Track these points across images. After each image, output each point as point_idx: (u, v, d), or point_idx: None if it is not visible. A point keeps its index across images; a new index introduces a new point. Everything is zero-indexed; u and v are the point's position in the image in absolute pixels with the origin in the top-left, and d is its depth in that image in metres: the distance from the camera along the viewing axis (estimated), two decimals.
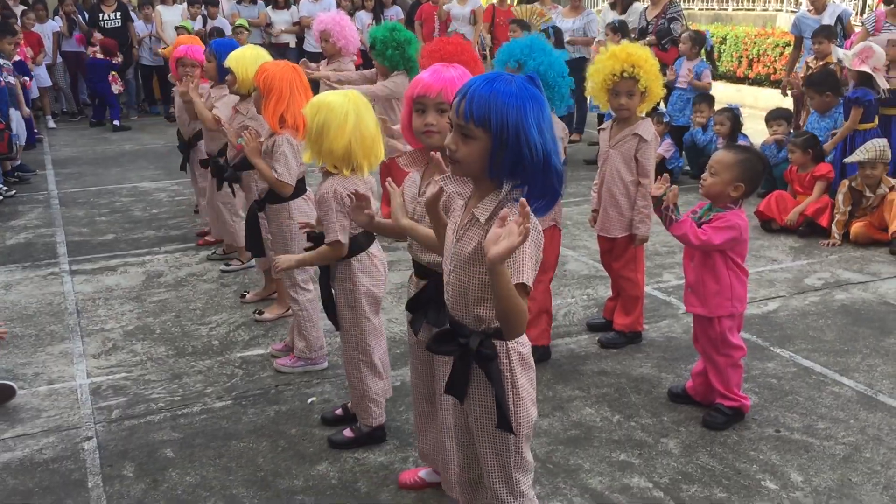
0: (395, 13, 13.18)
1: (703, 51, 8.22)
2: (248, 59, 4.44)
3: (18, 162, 8.83)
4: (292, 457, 3.46)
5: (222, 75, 4.89)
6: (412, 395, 3.10)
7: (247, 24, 11.07)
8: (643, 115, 4.31)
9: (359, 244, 3.31)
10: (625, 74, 3.99)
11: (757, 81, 12.47)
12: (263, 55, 4.48)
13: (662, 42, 8.33)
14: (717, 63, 13.01)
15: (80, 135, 11.25)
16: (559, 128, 3.97)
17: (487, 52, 10.40)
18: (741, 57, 12.77)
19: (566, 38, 9.42)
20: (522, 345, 2.23)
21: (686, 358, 4.30)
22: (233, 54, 4.52)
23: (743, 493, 3.14)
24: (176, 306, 5.11)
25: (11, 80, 8.81)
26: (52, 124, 11.74)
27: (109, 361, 4.37)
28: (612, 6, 9.18)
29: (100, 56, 11.42)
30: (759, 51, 12.44)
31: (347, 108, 3.17)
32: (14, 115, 8.60)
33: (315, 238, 3.38)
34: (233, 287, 5.40)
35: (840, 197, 6.18)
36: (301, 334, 4.16)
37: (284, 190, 4.00)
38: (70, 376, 4.20)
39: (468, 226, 2.16)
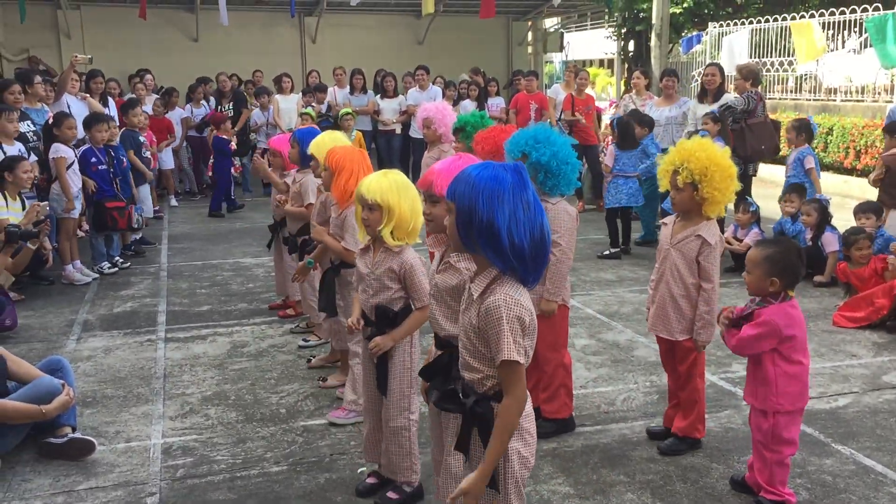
0: (498, 103, 13.67)
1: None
2: (326, 144, 4.83)
3: (140, 235, 9.57)
4: None
5: (304, 160, 5.31)
6: (433, 460, 3.26)
7: (351, 110, 11.71)
8: (712, 217, 4.08)
9: None
10: (673, 168, 4.05)
11: (865, 173, 12.11)
12: (340, 139, 4.87)
13: (720, 109, 8.37)
14: (821, 153, 12.82)
15: (198, 213, 12.04)
16: (560, 210, 4.16)
17: None
18: (848, 148, 12.50)
19: (661, 126, 9.54)
20: (522, 414, 2.41)
21: (741, 450, 4.24)
22: (314, 141, 4.93)
23: None
24: (253, 375, 5.41)
25: (148, 154, 9.60)
26: (174, 202, 12.62)
27: (184, 423, 4.68)
28: (701, 98, 9.24)
29: (217, 134, 12.26)
30: (866, 142, 12.16)
31: (409, 184, 3.52)
32: (145, 190, 9.37)
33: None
34: (307, 360, 5.67)
35: None
36: (353, 387, 4.48)
37: (351, 258, 4.32)
38: (147, 436, 4.52)
39: (468, 303, 2.39)
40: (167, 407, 4.91)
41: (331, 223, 4.64)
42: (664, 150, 9.18)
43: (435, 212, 3.04)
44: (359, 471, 4.07)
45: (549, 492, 3.84)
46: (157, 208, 11.61)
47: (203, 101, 13.44)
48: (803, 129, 8.25)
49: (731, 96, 8.86)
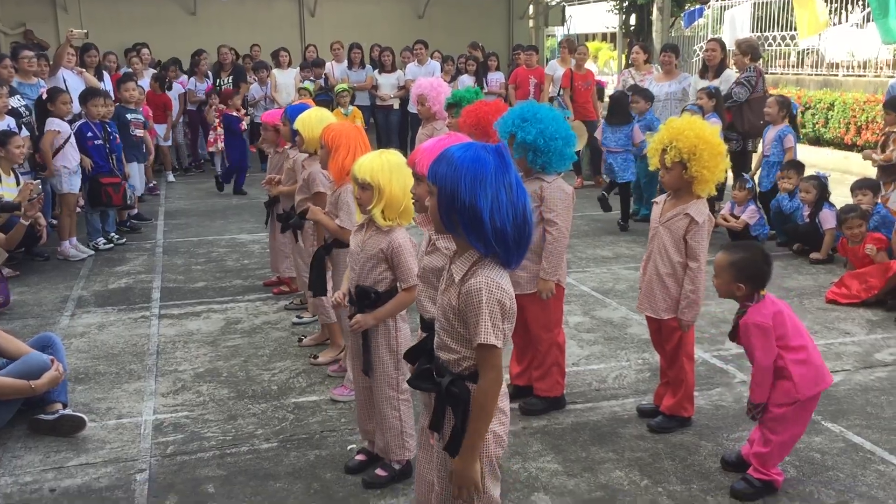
0: (497, 78, 13.57)
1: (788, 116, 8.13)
2: (312, 120, 4.79)
3: (135, 211, 9.56)
4: (322, 499, 3.63)
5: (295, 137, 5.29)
6: (419, 439, 3.24)
7: (347, 86, 11.64)
8: (702, 195, 4.06)
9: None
10: (662, 146, 4.02)
11: (866, 149, 12.06)
12: (328, 117, 4.83)
13: (727, 104, 8.29)
14: (814, 130, 12.76)
15: (196, 189, 12.01)
16: (555, 188, 4.12)
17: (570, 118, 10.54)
18: (849, 123, 12.42)
19: (660, 102, 9.48)
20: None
21: (731, 427, 4.25)
22: (299, 117, 4.89)
23: None
24: (246, 351, 5.42)
25: (139, 132, 9.56)
26: (171, 178, 12.58)
27: (175, 400, 4.68)
28: (703, 73, 9.17)
29: (226, 111, 12.14)
30: (867, 118, 12.08)
31: (403, 164, 3.48)
32: (134, 168, 9.33)
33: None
34: (297, 340, 5.68)
35: None
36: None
37: (345, 236, 4.29)
38: (138, 412, 4.53)
39: (447, 284, 2.37)
40: (159, 383, 4.92)
41: (327, 201, 4.61)
42: None
43: (418, 192, 3.01)
44: (348, 448, 4.08)
45: (537, 469, 3.85)
46: (152, 184, 11.57)
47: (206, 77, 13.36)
48: (785, 106, 8.16)
49: (732, 74, 8.78)
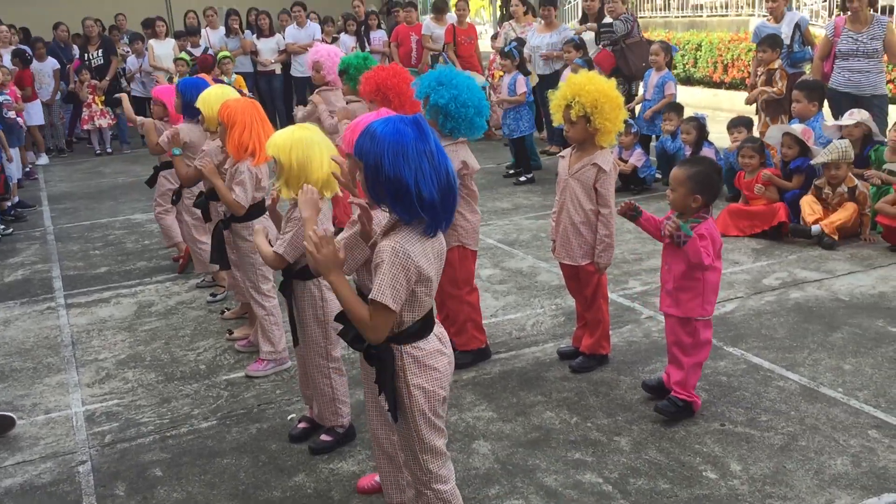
0: (379, 37, 13.51)
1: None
2: (213, 98, 4.77)
3: (17, 199, 9.15)
4: (272, 470, 3.73)
5: (187, 112, 5.34)
6: (366, 407, 3.36)
7: (229, 53, 11.42)
8: (604, 146, 4.30)
9: None
10: (566, 102, 4.23)
11: (733, 86, 12.76)
12: (229, 93, 4.82)
13: (601, 34, 8.66)
14: (684, 70, 13.36)
15: (75, 170, 11.57)
16: (461, 156, 4.24)
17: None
18: (716, 62, 13.06)
19: (541, 52, 9.75)
20: (418, 348, 2.59)
21: (644, 361, 4.57)
22: (202, 96, 4.86)
23: (685, 484, 3.41)
24: (166, 334, 5.39)
25: (12, 114, 9.10)
26: (43, 160, 12.02)
27: (103, 389, 4.65)
28: (582, 22, 9.47)
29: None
30: (732, 56, 12.74)
31: (316, 139, 3.54)
32: (15, 153, 8.90)
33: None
34: (219, 312, 5.68)
35: (809, 198, 6.51)
36: (267, 338, 4.63)
37: (238, 210, 4.42)
38: (66, 405, 4.47)
39: (373, 244, 2.57)
40: (82, 374, 4.85)
41: (226, 176, 4.60)
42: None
43: (350, 167, 3.08)
44: (288, 417, 4.18)
45: (473, 418, 4.06)
46: (28, 168, 11.07)
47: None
48: (668, 52, 8.59)
49: (609, 20, 9.10)
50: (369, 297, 2.42)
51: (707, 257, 3.71)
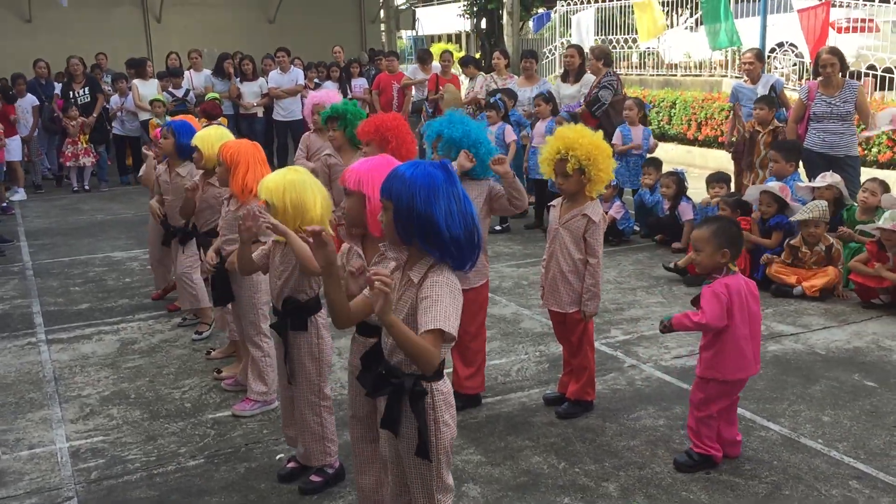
0: (361, 84, 13.73)
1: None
2: (213, 137, 4.85)
3: None
4: None
5: (181, 152, 5.38)
6: (352, 443, 3.39)
7: (218, 95, 11.53)
8: (594, 196, 4.44)
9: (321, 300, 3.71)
10: (559, 156, 4.35)
11: (706, 143, 13.09)
12: (227, 134, 4.91)
13: (593, 110, 8.85)
14: (659, 127, 13.70)
15: (53, 206, 11.51)
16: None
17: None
18: (690, 120, 13.40)
19: (521, 108, 9.95)
20: (444, 384, 2.67)
21: (629, 409, 4.64)
22: (199, 134, 4.94)
23: None
24: (150, 371, 5.37)
25: None
26: (20, 196, 11.91)
27: (87, 426, 4.61)
28: (564, 78, 9.71)
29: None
30: (706, 114, 13.08)
31: (308, 180, 3.64)
32: None
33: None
34: (204, 352, 5.67)
35: (783, 254, 6.69)
36: (261, 379, 4.64)
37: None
38: (50, 441, 4.43)
39: (405, 287, 2.60)
40: (65, 410, 4.81)
41: (222, 217, 4.66)
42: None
43: (348, 205, 3.16)
44: (277, 458, 4.18)
45: (462, 462, 4.09)
46: (5, 203, 11.01)
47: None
48: (642, 107, 8.85)
49: (591, 77, 9.33)
50: (432, 326, 2.44)
51: (709, 314, 3.79)
